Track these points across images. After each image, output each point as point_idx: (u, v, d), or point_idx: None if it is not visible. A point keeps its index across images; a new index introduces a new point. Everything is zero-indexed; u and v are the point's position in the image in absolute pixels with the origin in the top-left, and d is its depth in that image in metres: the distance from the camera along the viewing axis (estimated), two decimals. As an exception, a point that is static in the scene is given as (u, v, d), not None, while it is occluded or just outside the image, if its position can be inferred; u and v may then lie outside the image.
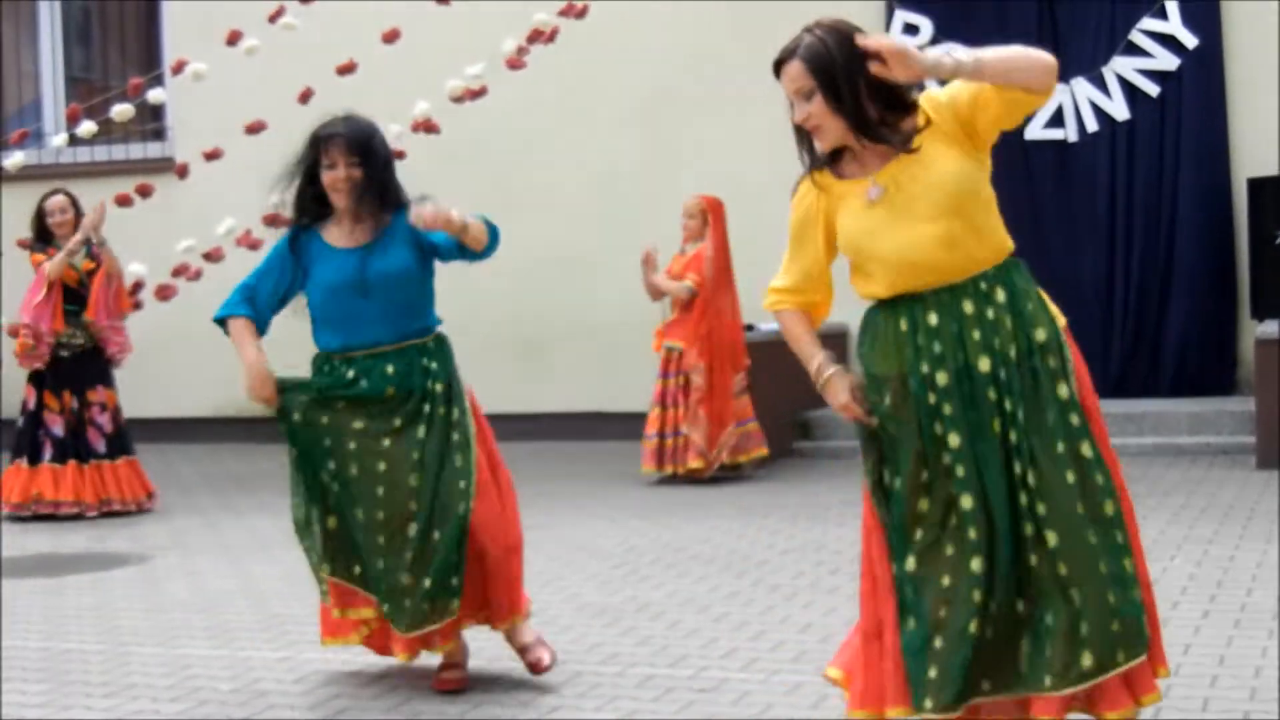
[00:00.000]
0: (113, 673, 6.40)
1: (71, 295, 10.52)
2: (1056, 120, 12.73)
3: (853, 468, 11.49)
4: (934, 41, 12.85)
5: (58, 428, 10.52)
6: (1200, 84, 12.59)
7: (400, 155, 10.52)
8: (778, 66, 4.61)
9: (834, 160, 4.67)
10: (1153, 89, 12.59)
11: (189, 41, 13.11)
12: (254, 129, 10.60)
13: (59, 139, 11.07)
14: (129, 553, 9.13)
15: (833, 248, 4.72)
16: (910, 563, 4.44)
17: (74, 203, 10.65)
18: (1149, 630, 4.39)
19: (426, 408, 5.94)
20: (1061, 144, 12.79)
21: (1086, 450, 4.39)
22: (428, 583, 5.74)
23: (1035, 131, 12.71)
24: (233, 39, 10.52)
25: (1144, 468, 10.76)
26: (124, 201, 10.64)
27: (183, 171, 10.94)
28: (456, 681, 5.98)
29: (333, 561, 5.98)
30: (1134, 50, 12.64)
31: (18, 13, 15.82)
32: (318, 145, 6.04)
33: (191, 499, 11.24)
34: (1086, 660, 4.32)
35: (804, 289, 4.80)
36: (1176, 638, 6.13)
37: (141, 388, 14.15)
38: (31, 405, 10.60)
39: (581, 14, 10.52)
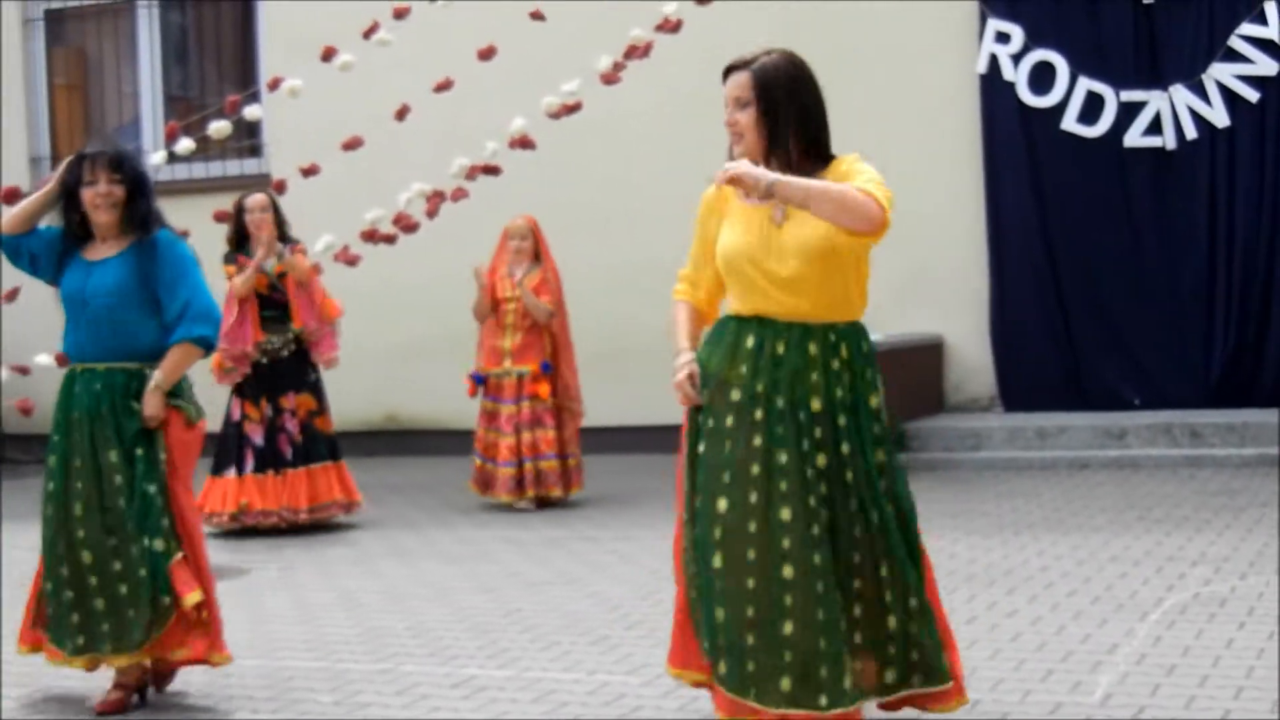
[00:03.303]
0: (214, 684, 6.45)
1: (266, 301, 10.55)
2: (1155, 128, 12.60)
3: (948, 479, 11.49)
4: (1025, 50, 12.79)
5: (257, 436, 10.51)
6: (1302, 90, 12.46)
7: (496, 170, 10.61)
8: (728, 71, 4.98)
9: None
10: (1253, 95, 12.44)
11: (285, 58, 13.21)
12: (350, 145, 10.66)
13: (158, 156, 11.16)
14: (228, 566, 9.19)
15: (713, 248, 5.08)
16: (717, 560, 4.81)
17: (274, 203, 10.63)
18: (946, 662, 4.92)
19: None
20: (1160, 151, 12.64)
21: (902, 497, 4.95)
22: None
23: (1134, 139, 12.59)
24: (328, 55, 10.58)
25: (1245, 479, 10.63)
26: (222, 218, 10.73)
27: (280, 188, 11.01)
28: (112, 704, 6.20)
29: None
30: (1233, 56, 12.49)
31: (117, 32, 16.00)
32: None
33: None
34: (889, 676, 4.88)
35: (697, 281, 5.16)
36: (1281, 651, 6.07)
37: (240, 402, 14.27)
38: (236, 415, 10.51)
39: (676, 29, 10.53)
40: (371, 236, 10.57)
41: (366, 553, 9.52)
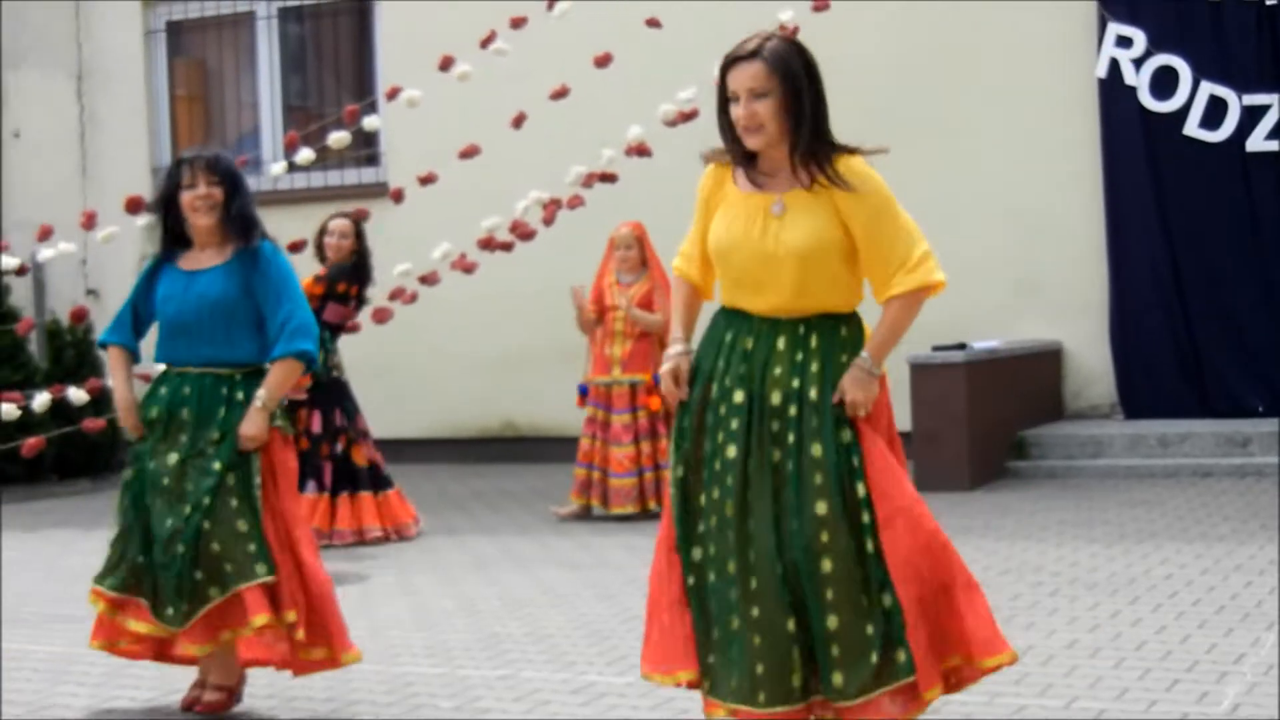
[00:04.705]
0: (336, 689, 6.50)
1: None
2: (1278, 132, 12.44)
3: (1069, 487, 11.39)
4: (1148, 54, 12.65)
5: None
6: None
7: (612, 178, 10.63)
8: (731, 63, 4.87)
9: (744, 167, 4.96)
10: (1380, 96, 12.28)
11: (402, 68, 13.31)
12: (467, 154, 10.72)
13: (278, 167, 11.27)
14: (348, 572, 9.26)
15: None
16: (696, 553, 4.87)
17: (357, 229, 10.57)
18: (909, 656, 4.67)
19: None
20: (1283, 155, 12.51)
21: (860, 490, 4.73)
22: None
23: (1257, 143, 12.44)
24: (445, 65, 10.65)
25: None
26: (341, 227, 10.81)
27: (398, 196, 11.09)
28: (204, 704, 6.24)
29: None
30: (1359, 57, 12.35)
31: (237, 43, 16.19)
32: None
33: (408, 519, 11.37)
34: (837, 679, 4.68)
35: (693, 258, 5.11)
36: None
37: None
38: (317, 428, 10.43)
39: (793, 35, 10.50)
40: (489, 244, 10.61)
41: (484, 559, 9.56)
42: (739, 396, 4.82)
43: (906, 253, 4.77)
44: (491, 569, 9.20)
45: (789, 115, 4.79)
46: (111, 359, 6.46)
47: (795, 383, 4.79)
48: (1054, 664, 6.37)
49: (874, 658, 4.66)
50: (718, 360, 4.90)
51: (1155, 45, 12.66)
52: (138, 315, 6.44)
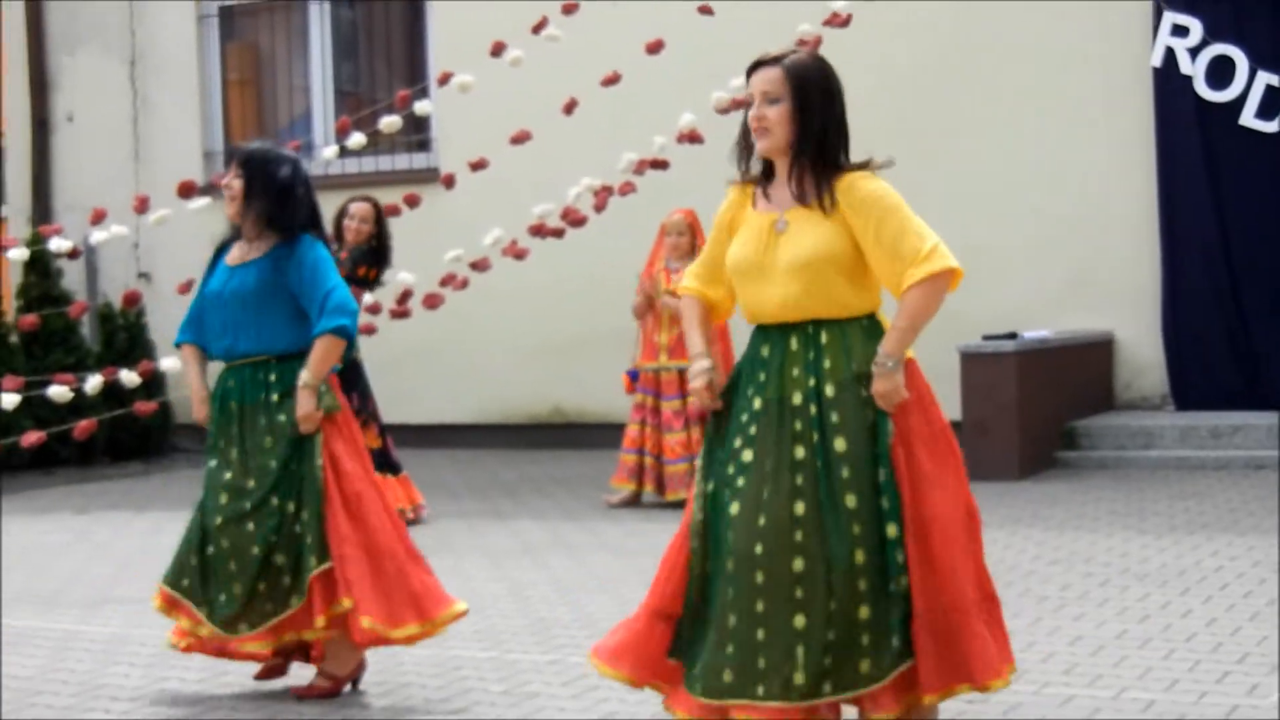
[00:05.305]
0: (388, 671, 6.53)
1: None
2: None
3: (1119, 478, 11.34)
4: (1204, 43, 12.56)
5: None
6: None
7: (664, 165, 10.63)
8: (756, 66, 5.00)
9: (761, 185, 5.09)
10: None
11: (454, 53, 13.32)
12: (519, 139, 10.74)
13: (329, 151, 11.32)
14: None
15: (722, 264, 5.16)
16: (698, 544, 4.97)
17: (377, 214, 10.56)
18: (908, 644, 4.74)
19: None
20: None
21: (881, 475, 4.77)
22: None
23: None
24: (497, 50, 10.67)
25: None
26: (392, 212, 10.82)
27: (449, 182, 11.12)
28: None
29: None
30: None
31: (289, 29, 16.24)
32: None
33: (458, 504, 11.41)
34: (864, 666, 4.72)
35: (705, 279, 5.21)
36: None
37: (408, 394, 14.45)
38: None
39: (845, 23, 10.49)
40: (539, 231, 10.64)
41: (533, 544, 9.58)
42: (758, 403, 4.92)
43: (916, 248, 4.81)
44: (540, 554, 9.22)
45: (797, 125, 4.91)
46: (184, 356, 6.61)
47: (811, 381, 4.87)
48: (1103, 654, 6.36)
49: (895, 641, 4.74)
50: (754, 374, 5.00)
51: (1211, 34, 12.57)
52: (204, 310, 6.55)
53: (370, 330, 10.68)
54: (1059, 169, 13.11)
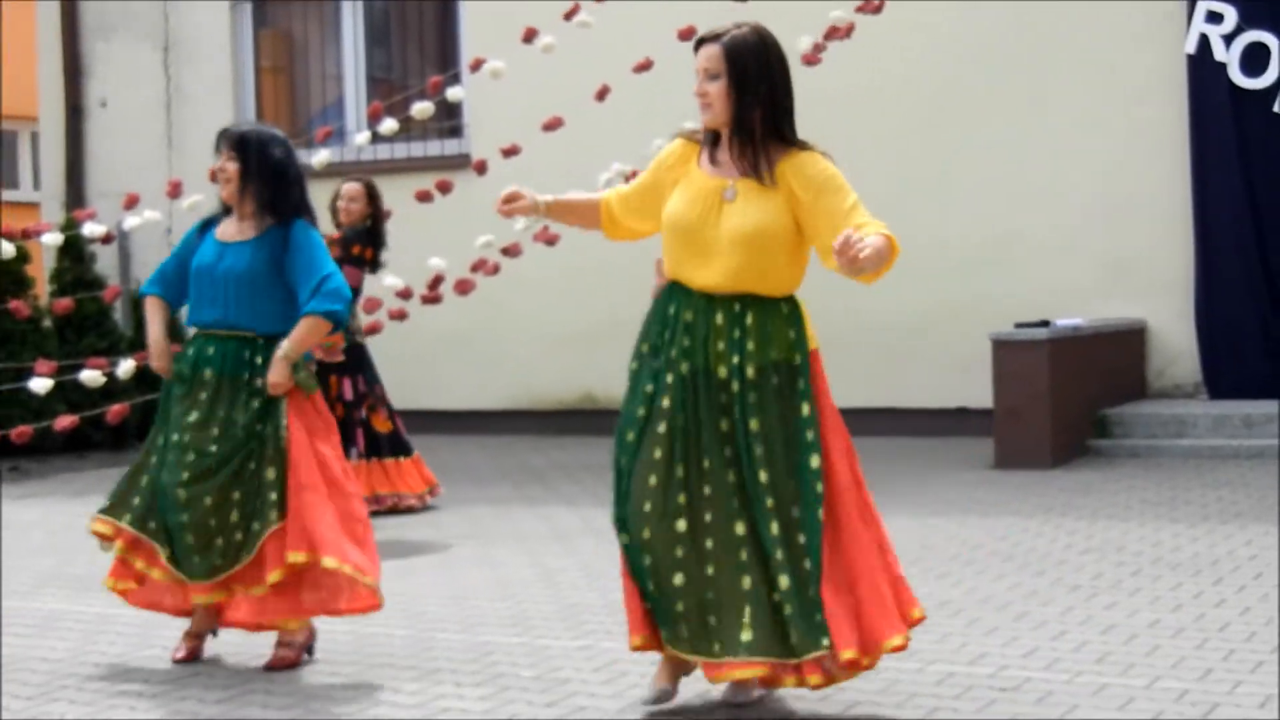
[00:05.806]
0: (419, 656, 6.54)
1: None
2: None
3: (1152, 467, 11.30)
4: (1238, 30, 12.50)
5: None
6: None
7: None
8: (699, 44, 5.27)
9: (710, 148, 5.32)
10: None
11: (486, 40, 13.33)
12: (551, 126, 10.73)
13: (361, 137, 11.33)
14: (430, 541, 9.31)
15: (647, 200, 5.48)
16: (629, 509, 5.32)
17: (369, 193, 10.46)
18: (825, 621, 5.02)
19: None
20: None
21: (814, 462, 5.07)
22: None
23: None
24: (529, 36, 10.66)
25: None
26: (424, 198, 10.83)
27: (481, 168, 11.12)
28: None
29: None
30: None
31: (321, 15, 16.26)
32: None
33: (488, 490, 11.41)
34: (793, 637, 5.01)
35: (623, 203, 5.62)
36: None
37: (439, 380, 14.48)
38: (349, 395, 10.32)
39: (878, 10, 10.46)
40: (566, 215, 10.60)
41: (563, 530, 9.58)
42: (685, 368, 5.15)
43: (861, 217, 5.02)
44: (571, 540, 9.22)
45: (735, 101, 5.13)
46: (148, 306, 6.75)
47: (735, 359, 5.09)
48: (1136, 643, 6.34)
49: (818, 617, 5.00)
50: (663, 332, 5.24)
51: (1246, 21, 12.52)
52: (180, 271, 6.68)
53: (402, 315, 10.68)
54: (1092, 157, 13.06)
